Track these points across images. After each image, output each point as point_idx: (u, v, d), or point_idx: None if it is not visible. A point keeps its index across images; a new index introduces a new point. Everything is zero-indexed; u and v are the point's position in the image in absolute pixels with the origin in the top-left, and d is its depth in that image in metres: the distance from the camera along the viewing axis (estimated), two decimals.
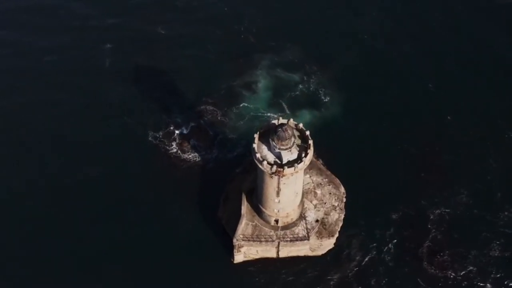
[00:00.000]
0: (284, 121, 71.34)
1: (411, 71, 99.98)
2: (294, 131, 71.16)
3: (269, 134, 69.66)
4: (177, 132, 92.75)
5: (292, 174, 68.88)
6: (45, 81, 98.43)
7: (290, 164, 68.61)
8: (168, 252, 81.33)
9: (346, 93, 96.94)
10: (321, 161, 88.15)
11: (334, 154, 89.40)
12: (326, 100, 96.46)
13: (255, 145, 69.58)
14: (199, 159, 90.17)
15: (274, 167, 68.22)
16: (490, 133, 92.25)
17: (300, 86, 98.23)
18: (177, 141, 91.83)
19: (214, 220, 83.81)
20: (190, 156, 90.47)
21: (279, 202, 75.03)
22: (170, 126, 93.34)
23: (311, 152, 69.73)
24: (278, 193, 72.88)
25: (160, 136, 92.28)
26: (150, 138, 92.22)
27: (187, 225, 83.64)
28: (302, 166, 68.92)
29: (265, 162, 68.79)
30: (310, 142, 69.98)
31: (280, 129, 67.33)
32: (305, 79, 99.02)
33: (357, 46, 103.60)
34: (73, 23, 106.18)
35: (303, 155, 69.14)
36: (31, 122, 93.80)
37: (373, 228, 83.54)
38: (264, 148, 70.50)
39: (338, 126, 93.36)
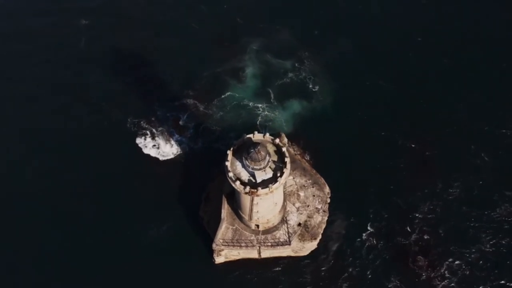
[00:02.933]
0: (260, 135, 67.54)
1: (405, 64, 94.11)
2: (271, 146, 67.41)
3: (243, 150, 65.98)
4: (158, 124, 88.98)
5: (266, 194, 65.82)
6: (18, 67, 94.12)
7: (264, 184, 65.41)
8: (148, 251, 79.69)
9: (337, 83, 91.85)
10: (307, 157, 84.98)
11: (320, 147, 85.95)
12: (316, 89, 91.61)
13: (228, 163, 66.09)
14: (181, 152, 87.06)
15: (248, 188, 65.11)
16: (482, 129, 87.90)
17: (290, 74, 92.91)
18: (158, 133, 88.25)
19: (196, 218, 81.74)
20: (171, 150, 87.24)
21: (257, 212, 72.61)
22: (151, 118, 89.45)
23: (287, 171, 66.14)
24: (253, 207, 70.26)
25: (140, 129, 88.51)
26: (128, 125, 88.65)
27: (168, 223, 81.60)
28: (277, 186, 65.60)
29: (238, 182, 65.58)
30: (287, 160, 66.22)
31: (252, 150, 63.37)
32: (297, 65, 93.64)
33: (352, 32, 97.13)
34: (46, 4, 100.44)
35: (279, 174, 65.76)
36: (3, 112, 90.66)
37: (358, 227, 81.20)
38: (238, 165, 67.08)
39: (327, 118, 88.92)
